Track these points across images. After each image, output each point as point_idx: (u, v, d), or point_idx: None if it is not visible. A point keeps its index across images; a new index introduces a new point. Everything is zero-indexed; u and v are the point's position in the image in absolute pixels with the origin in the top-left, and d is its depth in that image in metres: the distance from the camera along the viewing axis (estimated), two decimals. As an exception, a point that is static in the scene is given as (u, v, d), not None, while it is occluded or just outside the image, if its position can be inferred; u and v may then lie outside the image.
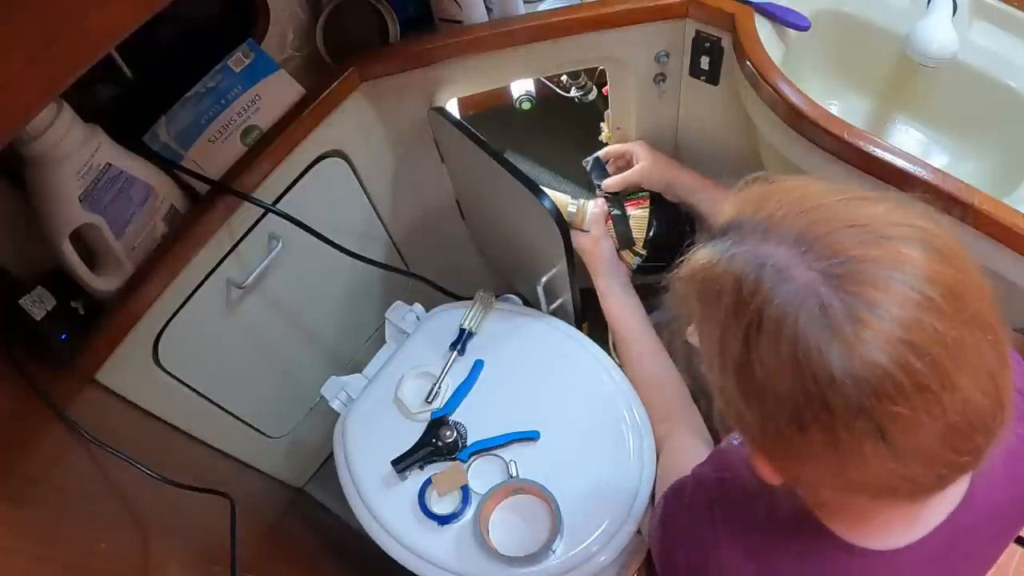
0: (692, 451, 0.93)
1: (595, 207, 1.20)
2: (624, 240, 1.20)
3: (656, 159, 1.18)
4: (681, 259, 0.53)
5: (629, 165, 1.21)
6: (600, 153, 1.26)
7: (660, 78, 1.15)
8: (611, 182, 1.22)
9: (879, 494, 0.50)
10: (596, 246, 1.18)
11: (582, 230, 1.21)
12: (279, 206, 1.06)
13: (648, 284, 1.54)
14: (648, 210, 1.21)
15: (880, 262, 0.44)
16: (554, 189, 1.24)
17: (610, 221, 1.21)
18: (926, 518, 0.57)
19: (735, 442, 0.82)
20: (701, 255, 0.51)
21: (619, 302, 1.14)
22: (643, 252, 1.21)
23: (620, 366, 1.13)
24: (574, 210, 1.20)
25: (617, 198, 1.24)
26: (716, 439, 0.93)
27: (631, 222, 1.21)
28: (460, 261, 1.51)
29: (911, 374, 0.42)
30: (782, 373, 0.45)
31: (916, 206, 0.48)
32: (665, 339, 1.12)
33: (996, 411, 0.45)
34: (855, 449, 0.44)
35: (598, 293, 1.16)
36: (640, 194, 1.25)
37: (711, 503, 0.66)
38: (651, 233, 1.20)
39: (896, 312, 0.42)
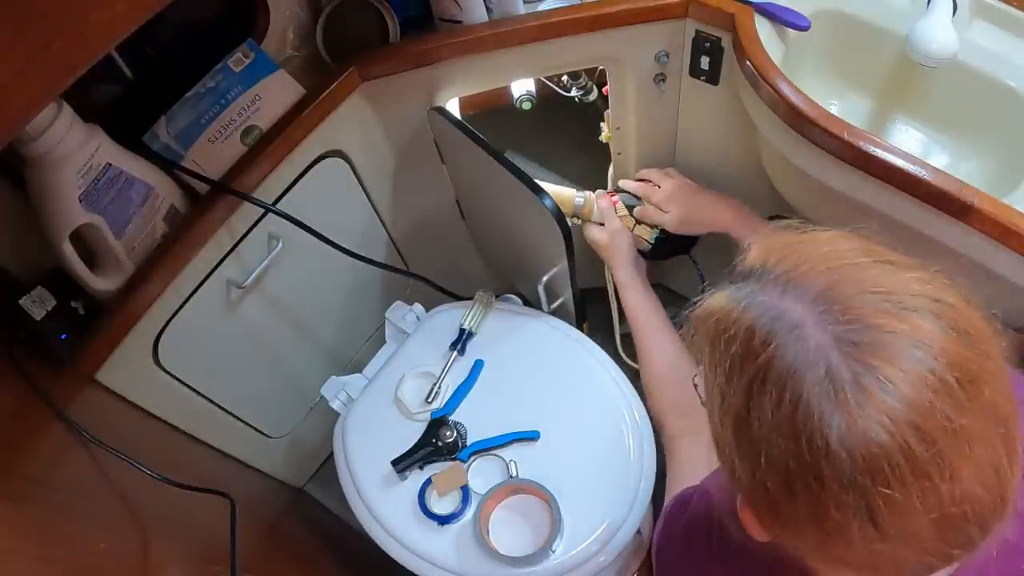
0: (710, 455, 0.92)
1: (602, 198, 1.20)
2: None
3: (687, 207, 1.14)
4: (698, 299, 0.51)
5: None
6: (630, 187, 1.23)
7: (660, 78, 1.15)
8: (641, 211, 1.21)
9: (860, 569, 0.48)
10: (614, 238, 1.17)
11: (592, 222, 1.21)
12: (279, 206, 1.06)
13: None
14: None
15: (899, 334, 0.42)
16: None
17: (619, 201, 1.22)
18: None
19: None
20: (718, 298, 0.49)
21: (639, 293, 1.13)
22: None
23: (634, 362, 1.12)
24: (581, 201, 1.21)
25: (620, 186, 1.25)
26: None
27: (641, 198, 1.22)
28: (460, 261, 1.51)
29: (911, 458, 0.40)
30: (779, 433, 0.43)
31: (948, 277, 0.46)
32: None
33: (996, 506, 0.43)
34: (841, 525, 0.43)
35: (618, 284, 1.16)
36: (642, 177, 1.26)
37: (710, 529, 0.65)
38: None
39: (906, 391, 0.40)
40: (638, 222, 1.22)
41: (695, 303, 0.51)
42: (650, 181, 1.22)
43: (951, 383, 0.41)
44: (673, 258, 1.29)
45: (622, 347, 1.33)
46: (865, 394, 0.41)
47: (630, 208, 1.23)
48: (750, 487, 0.47)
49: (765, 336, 0.44)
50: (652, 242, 1.23)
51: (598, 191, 1.27)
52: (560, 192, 1.19)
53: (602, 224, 1.20)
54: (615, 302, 1.23)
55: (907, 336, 0.42)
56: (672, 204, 1.16)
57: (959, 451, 0.41)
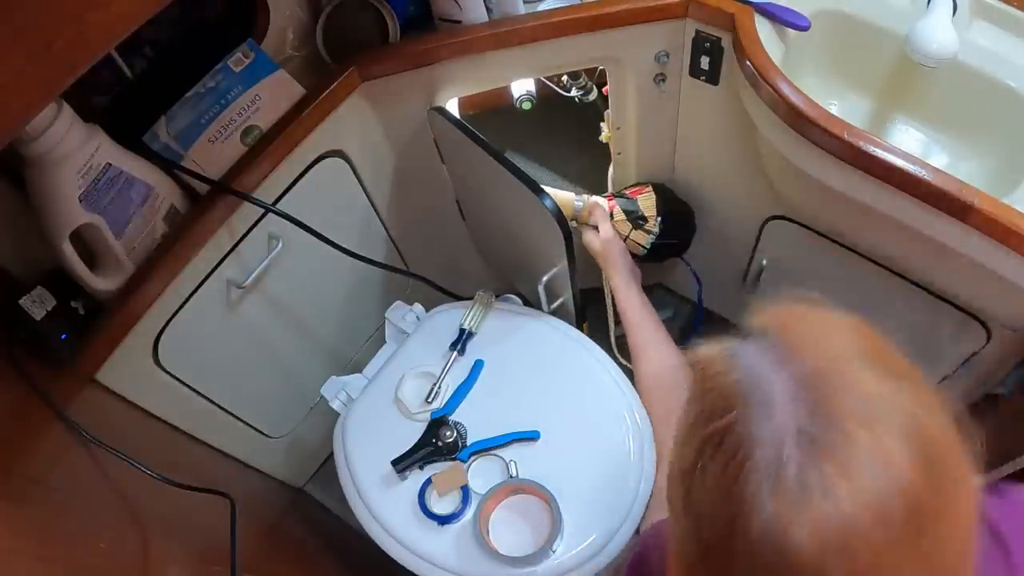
0: None
1: (597, 208, 1.21)
2: (637, 219, 1.23)
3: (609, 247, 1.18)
4: (703, 341, 0.50)
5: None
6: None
7: (660, 78, 1.15)
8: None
9: None
10: (607, 245, 1.18)
11: (590, 224, 1.21)
12: (279, 206, 1.06)
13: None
14: (652, 192, 1.25)
15: (860, 446, 0.39)
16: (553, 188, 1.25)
17: (616, 206, 1.23)
18: None
19: None
20: (712, 348, 0.48)
21: (634, 298, 1.14)
22: (656, 230, 1.24)
23: (628, 363, 1.13)
24: (581, 204, 1.22)
25: (620, 191, 1.26)
26: None
27: (640, 203, 1.24)
28: (460, 261, 1.51)
29: None
30: (712, 498, 0.42)
31: (942, 400, 0.44)
32: (675, 336, 1.13)
33: None
34: None
35: (614, 290, 1.16)
36: (640, 183, 1.28)
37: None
38: (662, 209, 1.23)
39: (845, 506, 0.38)
40: (634, 227, 1.24)
41: (700, 336, 0.50)
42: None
43: (894, 514, 0.38)
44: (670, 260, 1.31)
45: (617, 349, 1.34)
46: (804, 494, 0.39)
47: (628, 213, 1.24)
48: (677, 540, 0.47)
49: (734, 402, 0.43)
50: (647, 248, 1.25)
51: (594, 197, 1.28)
52: (559, 196, 1.20)
53: (597, 228, 1.21)
54: (611, 304, 1.25)
55: (868, 450, 0.39)
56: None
57: None
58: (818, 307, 0.48)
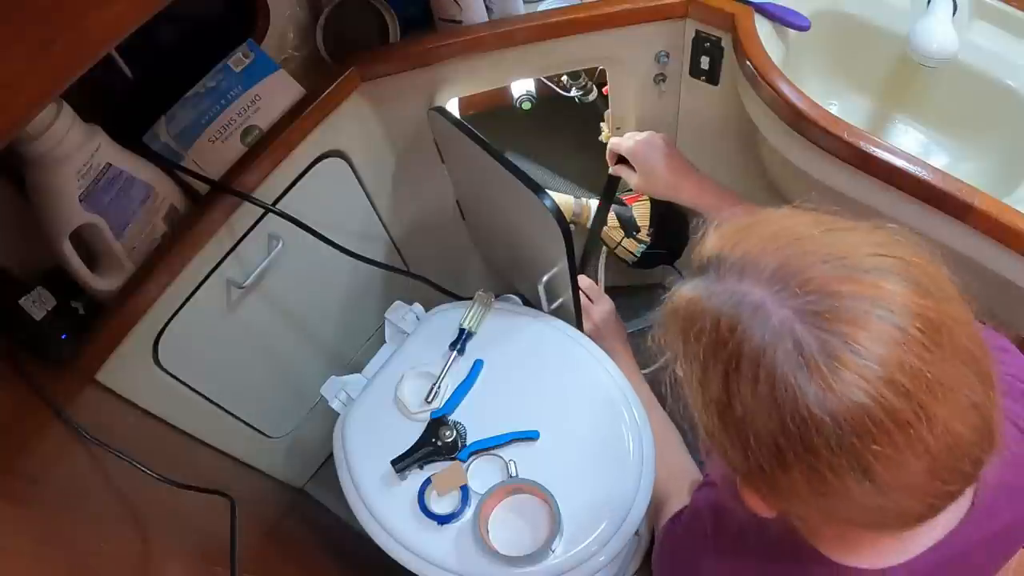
0: None
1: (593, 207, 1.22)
2: (629, 226, 1.22)
3: (650, 176, 1.09)
4: (664, 297, 0.52)
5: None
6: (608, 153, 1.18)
7: (660, 78, 1.15)
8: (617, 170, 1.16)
9: (868, 525, 0.50)
10: (601, 323, 1.18)
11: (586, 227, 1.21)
12: (279, 206, 1.06)
13: (635, 285, 1.56)
14: (649, 201, 1.24)
15: (857, 297, 0.43)
16: (552, 188, 1.25)
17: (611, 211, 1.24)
18: (922, 537, 0.57)
19: None
20: (682, 293, 0.50)
21: (626, 364, 1.14)
22: (647, 239, 1.23)
23: None
24: (579, 208, 1.22)
25: (617, 196, 1.26)
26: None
27: (634, 211, 1.23)
28: (460, 261, 1.51)
29: (891, 412, 0.41)
30: (762, 413, 0.44)
31: (896, 232, 0.47)
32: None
33: (983, 441, 0.45)
34: (840, 487, 0.44)
35: (612, 356, 1.13)
36: None
37: (706, 534, 0.68)
38: (655, 220, 1.23)
39: (875, 349, 0.42)
40: (626, 235, 1.23)
41: (663, 300, 0.53)
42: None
43: (916, 335, 0.42)
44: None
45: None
46: (836, 360, 0.42)
47: (621, 220, 1.24)
48: (745, 469, 0.49)
49: (730, 322, 0.45)
50: (638, 256, 1.25)
51: (592, 201, 1.28)
52: (558, 199, 1.20)
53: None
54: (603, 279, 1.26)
55: (865, 297, 0.43)
56: (637, 160, 1.10)
57: (935, 397, 0.42)
58: (754, 213, 0.51)
